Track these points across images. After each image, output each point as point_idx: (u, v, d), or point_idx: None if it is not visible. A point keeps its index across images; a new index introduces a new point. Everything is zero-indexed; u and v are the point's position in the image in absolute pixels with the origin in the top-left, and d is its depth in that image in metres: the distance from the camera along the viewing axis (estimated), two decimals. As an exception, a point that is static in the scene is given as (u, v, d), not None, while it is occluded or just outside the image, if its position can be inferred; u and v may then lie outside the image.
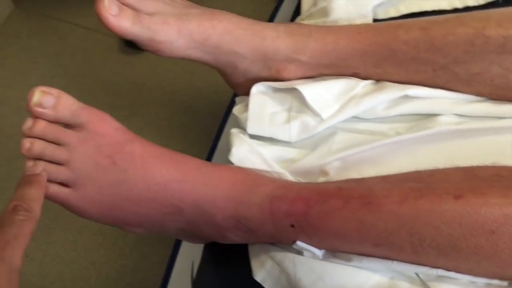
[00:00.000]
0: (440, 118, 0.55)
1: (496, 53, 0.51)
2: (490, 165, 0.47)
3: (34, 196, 0.38)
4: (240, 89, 0.61)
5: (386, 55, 0.55)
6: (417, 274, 0.47)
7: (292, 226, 0.48)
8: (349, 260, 0.48)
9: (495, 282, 0.45)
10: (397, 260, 0.46)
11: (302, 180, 0.54)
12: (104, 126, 0.48)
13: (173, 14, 0.54)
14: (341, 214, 0.46)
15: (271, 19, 0.86)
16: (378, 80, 0.58)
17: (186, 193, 0.48)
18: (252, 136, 0.57)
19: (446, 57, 0.53)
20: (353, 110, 0.55)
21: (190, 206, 0.48)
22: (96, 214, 0.48)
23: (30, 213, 0.37)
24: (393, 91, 0.55)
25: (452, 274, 0.45)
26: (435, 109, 0.55)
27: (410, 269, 0.46)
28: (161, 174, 0.48)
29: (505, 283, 0.45)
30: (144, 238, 1.15)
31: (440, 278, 0.46)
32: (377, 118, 0.57)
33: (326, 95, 0.55)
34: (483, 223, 0.42)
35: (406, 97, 0.56)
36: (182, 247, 0.71)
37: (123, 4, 0.53)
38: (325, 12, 0.62)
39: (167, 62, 1.36)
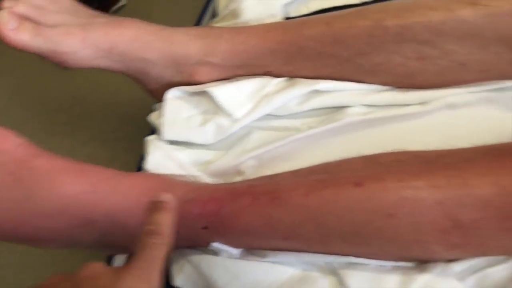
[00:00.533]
0: (349, 110, 0.56)
1: (396, 43, 0.53)
2: (391, 151, 0.49)
3: (167, 222, 0.39)
4: (157, 95, 0.61)
5: (294, 52, 0.56)
6: (329, 263, 0.48)
7: (206, 228, 0.48)
8: (264, 256, 0.48)
9: (402, 264, 0.47)
10: (307, 251, 0.47)
11: (220, 181, 0.55)
12: (6, 143, 0.47)
13: (77, 25, 0.54)
14: (250, 211, 0.46)
15: (198, 22, 0.86)
16: (290, 77, 0.59)
17: (98, 204, 0.48)
18: (172, 142, 0.58)
19: (349, 49, 0.54)
20: (266, 108, 0.56)
21: (103, 217, 0.48)
22: (4, 233, 0.47)
23: (164, 238, 0.37)
24: (303, 87, 0.56)
25: (360, 260, 0.46)
26: (344, 101, 0.56)
27: (321, 259, 0.47)
28: (70, 187, 0.48)
29: (410, 264, 0.47)
30: (94, 255, 1.13)
31: (350, 265, 0.47)
32: (290, 114, 0.58)
33: (238, 95, 0.56)
34: (382, 207, 0.43)
35: (317, 92, 0.57)
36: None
37: (24, 18, 0.52)
38: (236, 13, 0.63)
39: (107, 74, 1.34)
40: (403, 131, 0.55)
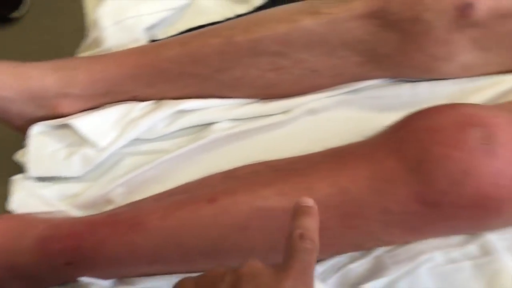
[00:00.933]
0: (214, 126, 0.57)
1: (250, 57, 0.54)
2: (249, 163, 0.49)
3: (315, 227, 0.36)
4: (24, 131, 0.60)
5: (155, 75, 0.57)
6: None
7: (70, 263, 0.47)
8: (134, 284, 0.48)
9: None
10: (176, 273, 0.47)
11: (91, 212, 0.54)
12: None
13: None
14: (111, 241, 0.46)
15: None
16: (157, 99, 0.59)
17: None
18: (40, 179, 0.56)
19: (208, 67, 0.55)
20: (131, 134, 0.56)
21: None
22: None
23: (315, 243, 0.35)
24: (167, 108, 0.56)
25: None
26: (210, 118, 0.57)
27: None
28: None
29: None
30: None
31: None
32: (159, 137, 0.58)
33: (102, 124, 0.55)
34: (236, 221, 0.44)
35: (182, 112, 0.57)
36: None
37: None
38: (98, 42, 0.62)
39: None
40: (269, 141, 0.56)
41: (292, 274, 0.32)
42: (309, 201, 0.37)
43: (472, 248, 0.47)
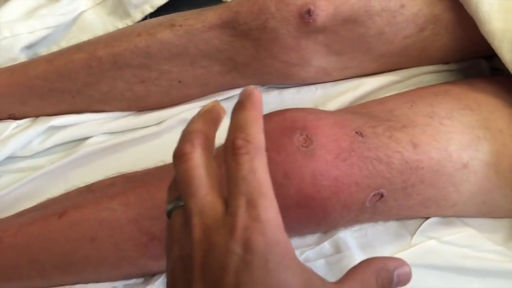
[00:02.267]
0: (89, 140, 0.57)
1: (114, 70, 0.55)
2: (110, 176, 0.50)
3: (250, 120, 0.29)
4: None
5: (26, 93, 0.57)
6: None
7: None
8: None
9: (132, 281, 0.48)
10: (35, 287, 0.47)
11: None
12: None
13: None
14: None
15: None
16: (34, 116, 0.60)
17: None
18: None
19: (76, 82, 0.56)
20: (4, 151, 0.56)
21: None
22: None
23: (251, 143, 0.28)
24: (39, 125, 0.57)
25: (90, 286, 0.47)
26: (84, 133, 0.58)
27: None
28: None
29: (140, 280, 0.48)
30: None
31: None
32: (36, 154, 0.58)
33: (-27, 145, 0.56)
34: (84, 233, 0.44)
35: (57, 128, 0.58)
36: None
37: None
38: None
39: None
40: (143, 153, 0.57)
41: (238, 230, 0.26)
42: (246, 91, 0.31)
43: (326, 246, 0.49)
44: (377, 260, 0.32)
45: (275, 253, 0.26)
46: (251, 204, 0.27)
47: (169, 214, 0.31)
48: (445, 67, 0.57)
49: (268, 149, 0.41)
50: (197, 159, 0.29)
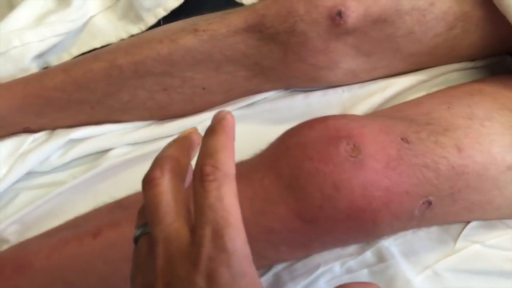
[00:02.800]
0: (111, 153, 0.55)
1: (135, 79, 0.53)
2: (139, 190, 0.48)
3: (219, 146, 0.28)
4: None
5: (43, 104, 0.55)
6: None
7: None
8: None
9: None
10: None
11: (-15, 254, 0.51)
12: None
13: None
14: None
15: None
16: (51, 129, 0.57)
17: None
18: None
19: (95, 93, 0.54)
20: (22, 168, 0.54)
21: None
22: None
23: (221, 170, 0.27)
24: (59, 138, 0.55)
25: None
26: (105, 145, 0.56)
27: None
28: None
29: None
30: None
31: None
32: (54, 169, 0.56)
33: (-10, 161, 0.53)
34: (122, 254, 0.43)
35: (77, 141, 0.56)
36: None
37: None
38: (-15, 75, 0.60)
39: None
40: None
41: (202, 261, 0.25)
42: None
43: (368, 255, 0.48)
44: None
45: (241, 287, 0.25)
46: (217, 234, 0.26)
47: (136, 240, 0.29)
48: (471, 64, 0.57)
49: (313, 160, 0.40)
50: (165, 186, 0.28)
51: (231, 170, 0.28)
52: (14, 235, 0.52)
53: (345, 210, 0.39)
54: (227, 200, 0.27)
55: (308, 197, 0.39)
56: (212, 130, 0.30)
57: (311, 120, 0.43)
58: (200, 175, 0.27)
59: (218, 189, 0.27)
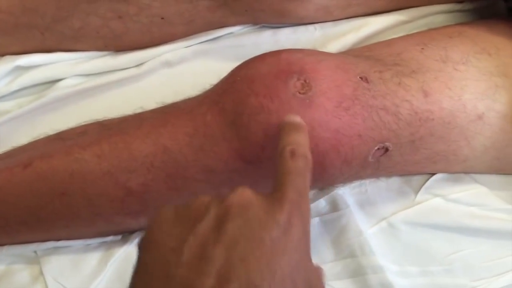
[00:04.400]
0: (61, 83, 0.52)
1: (86, 3, 0.49)
2: (81, 124, 0.45)
3: (306, 142, 0.32)
4: None
5: (-12, 28, 0.51)
6: (35, 252, 0.44)
7: None
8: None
9: (109, 238, 0.44)
10: (1, 244, 0.43)
11: None
12: None
13: None
14: None
15: None
16: (0, 55, 0.53)
17: None
18: None
19: (44, 17, 0.50)
20: (-37, 95, 0.50)
21: None
22: None
23: (308, 159, 0.30)
24: (4, 65, 0.51)
25: (61, 243, 0.43)
26: (55, 74, 0.52)
27: (26, 249, 0.44)
28: None
29: (118, 237, 0.44)
30: None
31: (55, 250, 0.44)
32: (2, 97, 0.52)
33: None
34: (52, 187, 0.40)
35: (26, 68, 0.52)
36: None
37: None
38: None
39: None
40: (120, 97, 0.52)
41: (286, 205, 0.28)
42: (296, 118, 0.34)
43: (322, 203, 0.45)
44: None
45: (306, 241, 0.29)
46: (300, 194, 0.29)
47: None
48: (458, 6, 0.52)
49: (259, 95, 0.36)
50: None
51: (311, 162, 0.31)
52: None
53: None
54: (306, 178, 0.30)
55: (251, 136, 0.36)
56: (300, 127, 0.33)
57: (265, 54, 0.39)
58: (292, 154, 0.30)
59: (304, 168, 0.30)
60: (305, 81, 0.36)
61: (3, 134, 0.50)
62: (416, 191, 0.43)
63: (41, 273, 0.43)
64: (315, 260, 0.42)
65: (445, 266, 0.41)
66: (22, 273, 0.44)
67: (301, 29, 0.52)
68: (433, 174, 0.44)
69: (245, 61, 0.39)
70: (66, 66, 0.52)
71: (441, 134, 0.39)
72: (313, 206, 0.44)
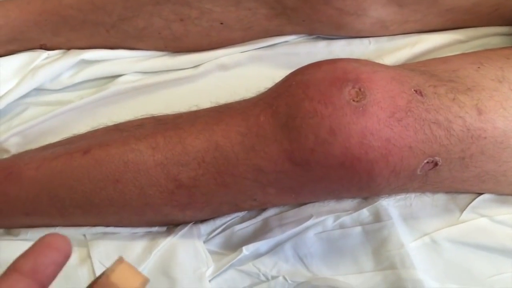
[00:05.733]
0: (121, 78, 0.54)
1: (152, 5, 0.51)
2: (139, 117, 0.47)
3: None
4: None
5: (59, 22, 0.54)
6: (85, 236, 0.46)
7: None
8: (18, 234, 0.46)
9: (155, 229, 0.46)
10: (55, 225, 0.45)
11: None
12: None
13: None
14: None
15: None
16: (66, 49, 0.57)
17: None
18: None
19: (111, 15, 0.52)
20: (31, 83, 0.54)
21: None
22: None
23: None
24: (70, 58, 0.54)
25: (110, 229, 0.45)
26: (116, 70, 0.55)
27: (75, 232, 0.46)
28: None
29: (163, 229, 0.46)
30: None
31: (104, 235, 0.46)
32: (65, 88, 0.55)
33: (2, 72, 0.53)
34: (107, 174, 0.42)
35: (89, 63, 0.55)
36: None
37: None
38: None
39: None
40: (176, 96, 0.54)
41: None
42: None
43: (364, 213, 0.45)
44: None
45: None
46: None
47: None
48: (516, 29, 0.51)
49: (313, 100, 0.37)
50: None
51: None
52: (14, 146, 0.52)
53: (338, 156, 0.36)
54: None
55: (302, 139, 0.36)
56: None
57: (321, 61, 0.40)
58: None
59: None
60: (359, 89, 0.36)
61: (65, 122, 0.53)
62: (462, 209, 0.43)
63: (89, 256, 0.45)
64: (354, 269, 0.43)
65: (486, 287, 0.40)
66: (71, 255, 0.45)
67: (356, 42, 0.53)
68: (481, 193, 0.43)
69: (301, 67, 0.40)
70: (127, 63, 0.55)
71: (492, 153, 0.39)
72: (355, 215, 0.45)
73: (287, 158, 0.38)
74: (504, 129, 0.39)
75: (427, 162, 0.38)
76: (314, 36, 0.54)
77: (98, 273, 0.43)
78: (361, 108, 0.36)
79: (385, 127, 0.36)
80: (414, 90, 0.37)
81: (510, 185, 0.41)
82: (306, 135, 0.36)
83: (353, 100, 0.36)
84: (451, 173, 0.39)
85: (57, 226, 0.46)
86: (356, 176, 0.37)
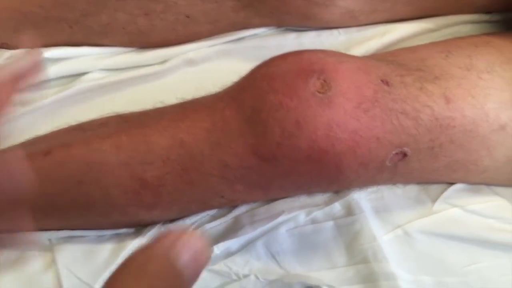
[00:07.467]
0: (86, 76, 0.53)
1: (115, 0, 0.49)
2: (103, 116, 0.46)
3: None
4: None
5: (21, 20, 0.52)
6: (50, 240, 0.45)
7: None
8: None
9: (122, 231, 0.44)
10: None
11: None
12: None
13: None
14: None
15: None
16: (30, 48, 0.54)
17: None
18: None
19: (74, 11, 0.51)
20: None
21: None
22: None
23: None
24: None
25: (76, 232, 0.44)
26: (81, 67, 0.53)
27: (41, 236, 0.44)
28: None
29: (131, 230, 0.45)
30: None
31: (69, 239, 0.44)
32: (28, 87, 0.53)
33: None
34: (69, 175, 0.40)
35: (52, 61, 0.53)
36: None
37: None
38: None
39: None
40: (143, 93, 0.52)
41: None
42: None
43: (336, 207, 0.44)
44: None
45: None
46: None
47: None
48: (486, 17, 0.51)
49: (278, 92, 0.36)
50: None
51: None
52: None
53: (305, 150, 0.35)
54: None
55: (267, 133, 0.36)
56: None
57: (287, 53, 0.39)
58: None
59: None
60: (324, 80, 0.35)
61: (28, 123, 0.51)
62: (434, 200, 0.42)
63: (54, 261, 0.43)
64: (327, 264, 0.42)
65: (460, 278, 0.39)
66: (35, 260, 0.44)
67: (325, 33, 0.52)
68: (452, 184, 0.43)
69: (266, 59, 0.39)
70: (92, 60, 0.53)
71: (461, 142, 0.38)
72: (327, 209, 0.44)
73: (253, 152, 0.37)
74: (473, 117, 0.38)
75: (396, 153, 0.37)
76: (284, 29, 0.53)
77: (64, 279, 0.42)
78: (326, 100, 0.35)
79: (351, 118, 0.35)
80: (380, 80, 0.37)
81: (481, 174, 0.41)
82: (271, 128, 0.35)
83: (318, 92, 0.35)
84: (420, 164, 0.39)
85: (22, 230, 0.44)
86: (324, 169, 0.36)
